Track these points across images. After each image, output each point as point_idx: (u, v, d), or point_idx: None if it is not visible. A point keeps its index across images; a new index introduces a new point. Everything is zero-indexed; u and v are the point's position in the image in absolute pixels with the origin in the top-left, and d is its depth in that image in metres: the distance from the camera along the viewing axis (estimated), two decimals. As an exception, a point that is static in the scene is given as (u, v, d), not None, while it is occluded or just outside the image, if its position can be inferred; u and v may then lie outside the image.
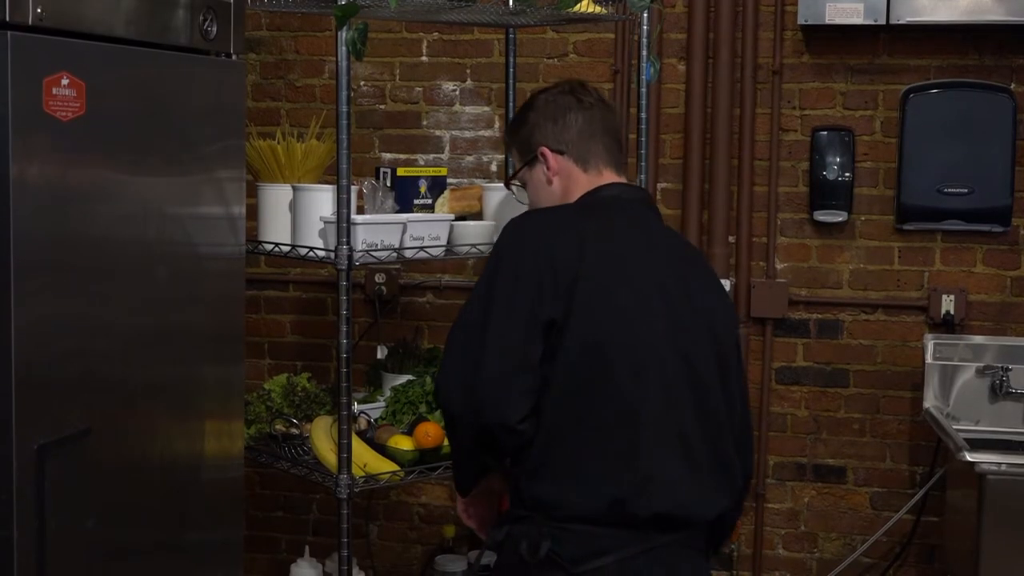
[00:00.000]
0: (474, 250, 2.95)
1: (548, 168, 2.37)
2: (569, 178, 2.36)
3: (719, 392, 2.23)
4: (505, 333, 2.13)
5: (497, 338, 2.13)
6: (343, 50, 2.59)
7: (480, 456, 2.27)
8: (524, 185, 2.44)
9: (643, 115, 3.08)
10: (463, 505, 2.42)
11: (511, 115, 3.50)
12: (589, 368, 2.12)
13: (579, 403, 2.12)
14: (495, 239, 2.90)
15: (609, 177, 2.36)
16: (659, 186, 3.86)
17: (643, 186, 3.06)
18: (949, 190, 3.64)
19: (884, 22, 3.54)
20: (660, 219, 2.39)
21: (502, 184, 3.18)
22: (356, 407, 2.90)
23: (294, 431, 2.90)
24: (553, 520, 2.12)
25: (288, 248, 2.89)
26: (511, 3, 2.90)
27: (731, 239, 3.83)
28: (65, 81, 2.01)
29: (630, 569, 2.09)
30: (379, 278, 3.99)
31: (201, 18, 2.37)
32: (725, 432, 2.22)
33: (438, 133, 4.00)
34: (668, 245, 2.32)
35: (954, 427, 3.38)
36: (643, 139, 3.09)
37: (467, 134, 3.98)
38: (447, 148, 3.99)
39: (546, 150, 2.36)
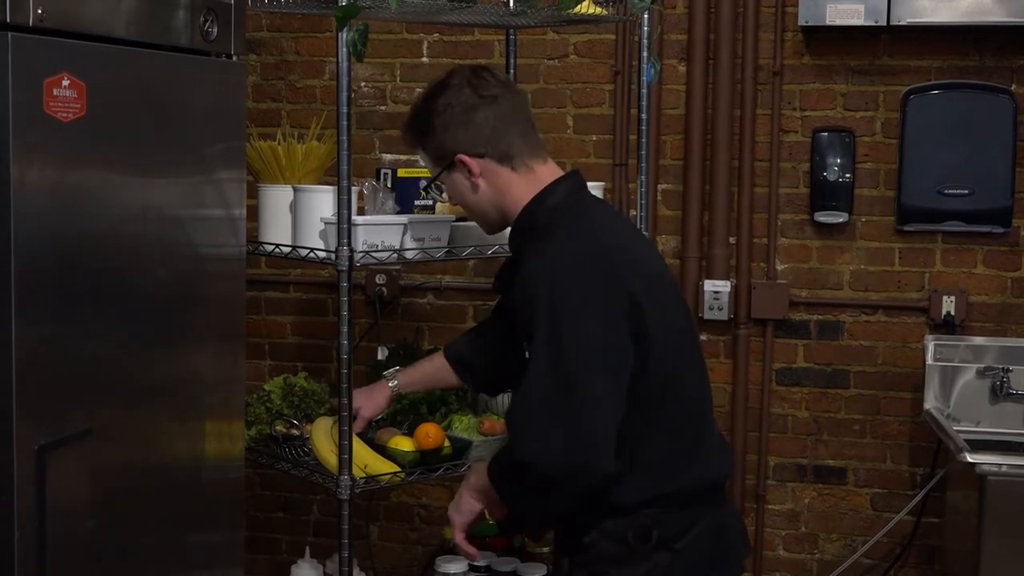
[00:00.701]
0: (475, 251, 2.95)
1: (471, 173, 2.30)
2: (497, 178, 2.30)
3: None
4: (603, 387, 2.09)
5: (598, 393, 2.09)
6: (344, 51, 2.59)
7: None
8: (444, 188, 2.40)
9: (643, 116, 3.08)
10: (465, 535, 2.36)
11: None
12: (664, 381, 2.19)
13: (659, 414, 2.20)
14: (498, 241, 2.93)
15: (542, 171, 2.31)
16: (659, 187, 3.86)
17: (643, 188, 3.06)
18: (950, 191, 3.64)
19: (885, 23, 3.54)
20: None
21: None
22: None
23: (294, 432, 2.90)
24: (652, 507, 2.19)
25: (289, 249, 2.89)
26: (512, 4, 2.90)
27: (732, 240, 3.83)
28: (66, 82, 2.01)
29: (717, 530, 2.26)
30: (380, 279, 3.99)
31: (202, 19, 2.37)
32: None
33: (439, 134, 3.99)
34: (634, 226, 2.45)
35: (954, 428, 3.38)
36: (643, 140, 3.09)
37: (468, 135, 3.97)
38: (448, 149, 3.98)
39: (464, 157, 2.29)
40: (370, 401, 2.79)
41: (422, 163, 2.48)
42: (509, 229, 2.37)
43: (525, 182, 2.30)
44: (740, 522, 2.41)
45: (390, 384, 2.80)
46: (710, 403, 2.35)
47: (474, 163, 2.29)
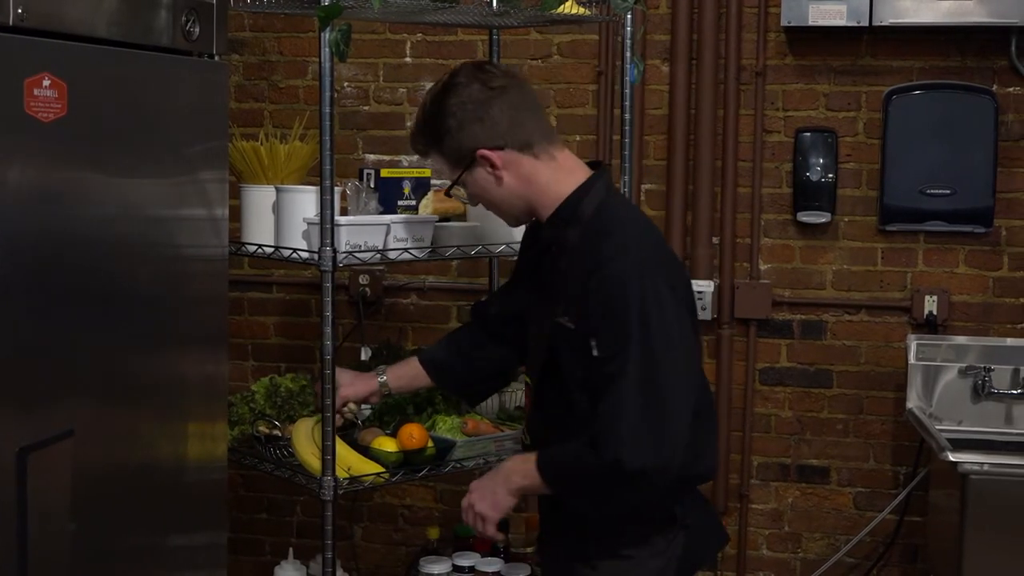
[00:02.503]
0: (458, 251, 2.94)
1: (492, 167, 2.30)
2: (521, 167, 2.31)
3: None
4: (684, 391, 2.20)
5: (680, 398, 2.19)
6: (326, 51, 2.58)
7: None
8: (465, 188, 2.39)
9: (627, 116, 3.07)
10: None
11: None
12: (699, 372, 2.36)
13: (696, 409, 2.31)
14: (481, 241, 2.93)
15: (563, 159, 2.35)
16: (643, 187, 3.87)
17: (626, 188, 3.06)
18: (932, 191, 3.65)
19: (867, 24, 3.56)
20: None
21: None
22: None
23: (276, 432, 2.89)
24: (673, 491, 2.33)
25: (271, 249, 2.88)
26: (495, 4, 2.90)
27: (715, 240, 3.84)
28: (46, 82, 2.00)
29: (704, 500, 2.49)
30: (363, 279, 3.98)
31: (184, 19, 2.36)
32: None
33: (422, 134, 3.99)
34: None
35: (937, 427, 3.39)
36: (627, 140, 3.09)
37: (451, 135, 3.97)
38: (431, 149, 3.98)
39: (485, 152, 2.29)
40: (352, 384, 2.77)
41: (436, 169, 2.48)
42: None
43: (549, 169, 2.32)
44: None
45: (379, 378, 2.79)
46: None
47: (496, 156, 2.29)
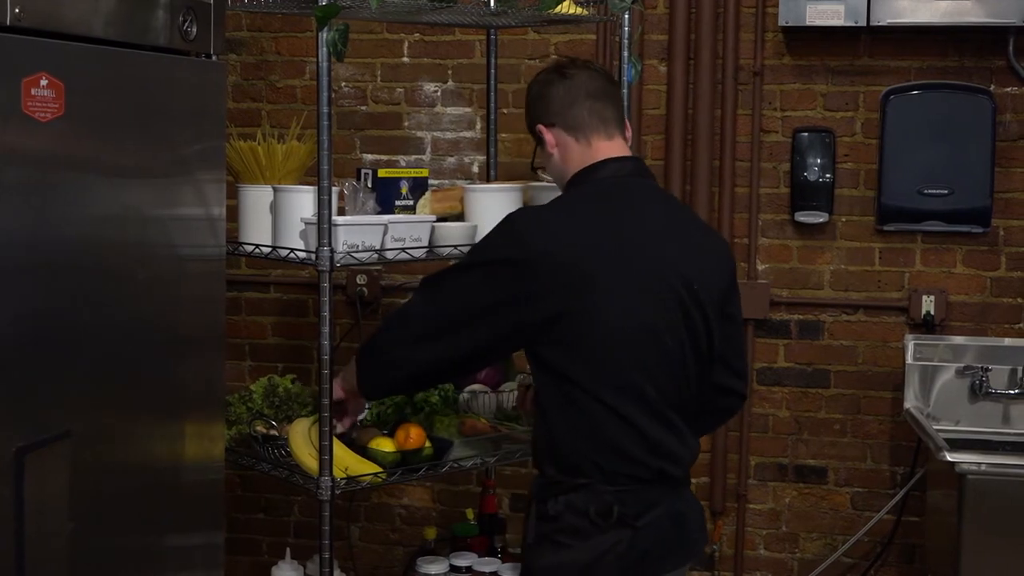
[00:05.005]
0: (456, 251, 2.94)
1: (547, 143, 2.48)
2: (566, 147, 2.47)
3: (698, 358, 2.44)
4: (428, 345, 2.40)
5: (425, 347, 2.41)
6: (324, 51, 2.58)
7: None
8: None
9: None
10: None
11: (493, 116, 3.51)
12: (613, 372, 2.31)
13: (607, 399, 2.30)
14: (477, 240, 2.93)
15: (600, 148, 2.44)
16: (641, 187, 3.86)
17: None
18: (929, 191, 3.65)
19: (865, 24, 3.56)
20: (655, 185, 2.53)
21: (484, 185, 3.18)
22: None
23: (274, 432, 2.89)
24: (614, 485, 2.31)
25: (269, 249, 2.88)
26: (492, 4, 2.90)
27: (712, 240, 3.83)
28: (44, 82, 2.00)
29: (677, 516, 2.38)
30: (360, 279, 3.98)
31: (181, 19, 2.36)
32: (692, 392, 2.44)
33: (419, 134, 3.99)
34: (667, 222, 2.44)
35: (934, 427, 3.39)
36: (624, 140, 3.09)
37: (448, 135, 3.98)
38: (428, 149, 3.99)
39: (541, 127, 2.48)
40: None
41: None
42: None
43: (581, 154, 2.46)
44: (700, 514, 2.49)
45: None
46: (676, 395, 2.37)
47: (548, 133, 2.47)
